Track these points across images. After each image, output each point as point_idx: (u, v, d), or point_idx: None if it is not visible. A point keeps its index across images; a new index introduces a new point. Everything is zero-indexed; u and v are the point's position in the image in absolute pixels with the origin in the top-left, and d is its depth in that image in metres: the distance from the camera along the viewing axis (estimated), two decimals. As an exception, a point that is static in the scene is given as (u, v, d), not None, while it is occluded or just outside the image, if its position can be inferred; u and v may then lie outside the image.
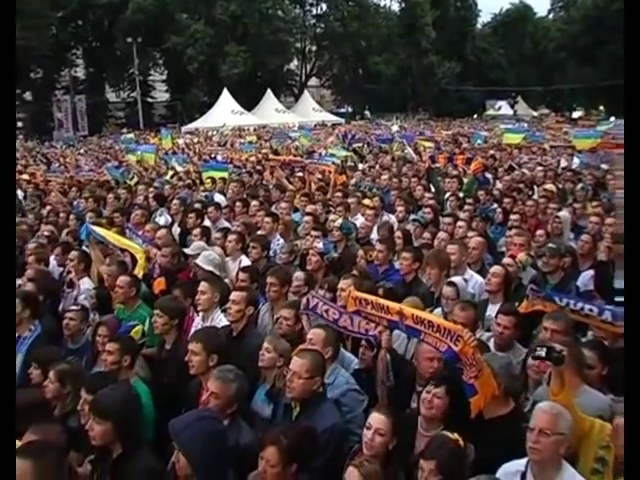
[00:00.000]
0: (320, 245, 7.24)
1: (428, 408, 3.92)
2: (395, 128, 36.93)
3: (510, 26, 72.38)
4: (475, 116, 61.65)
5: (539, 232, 8.32)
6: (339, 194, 10.74)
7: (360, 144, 22.70)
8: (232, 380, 4.04)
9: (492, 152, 18.55)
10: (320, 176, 13.01)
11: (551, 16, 77.43)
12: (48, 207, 11.59)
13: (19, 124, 51.84)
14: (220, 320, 5.60)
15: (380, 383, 4.51)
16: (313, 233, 7.96)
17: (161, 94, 66.64)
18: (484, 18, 77.82)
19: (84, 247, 7.67)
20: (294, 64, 71.63)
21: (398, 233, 7.95)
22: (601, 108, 67.21)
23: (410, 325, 4.15)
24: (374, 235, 8.67)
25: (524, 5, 74.31)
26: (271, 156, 17.60)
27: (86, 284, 6.82)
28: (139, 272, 6.78)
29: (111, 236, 7.50)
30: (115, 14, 58.62)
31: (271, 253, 7.95)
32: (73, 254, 7.16)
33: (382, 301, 4.46)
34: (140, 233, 8.44)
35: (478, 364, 3.77)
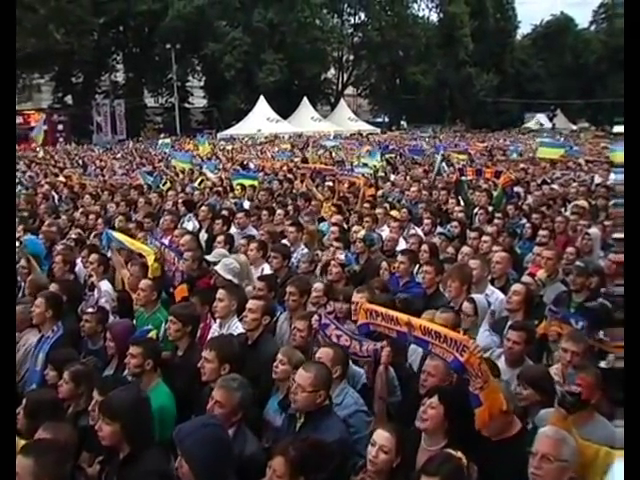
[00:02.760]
0: (342, 256, 7.23)
1: (423, 420, 3.90)
2: (425, 135, 36.77)
3: (550, 38, 71.74)
4: (515, 130, 61.05)
5: (569, 249, 8.17)
6: (367, 205, 10.72)
7: (393, 155, 22.67)
8: (236, 389, 4.05)
9: (523, 166, 18.33)
10: (348, 186, 13.01)
11: (593, 28, 76.55)
12: (80, 210, 11.79)
13: (59, 127, 52.88)
14: (237, 328, 5.62)
15: (378, 399, 4.49)
16: (335, 244, 7.98)
17: (198, 100, 67.48)
18: (524, 29, 77.65)
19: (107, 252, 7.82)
20: (331, 73, 71.96)
21: (424, 246, 7.88)
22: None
23: (418, 336, 4.15)
24: (400, 247, 8.64)
25: (565, 17, 73.69)
26: (301, 164, 17.67)
27: (106, 287, 6.91)
28: (150, 275, 6.86)
29: (129, 241, 7.63)
30: (155, 21, 59.58)
31: (294, 262, 8.00)
32: (93, 257, 7.32)
33: (392, 312, 4.46)
34: (163, 239, 8.55)
35: (484, 375, 3.76)
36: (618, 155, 19.48)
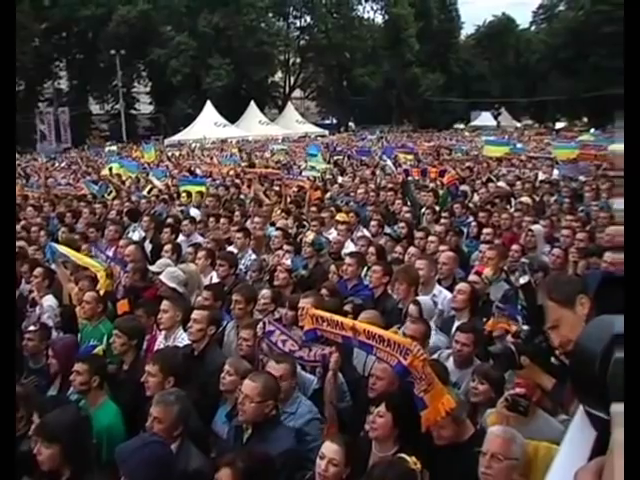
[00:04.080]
0: (288, 261, 7.19)
1: (373, 429, 3.89)
2: (373, 137, 37.00)
3: (493, 38, 72.91)
4: (461, 127, 62.03)
5: (514, 246, 8.28)
6: (314, 209, 10.70)
7: (341, 156, 22.72)
8: (173, 402, 3.96)
9: (469, 164, 18.57)
10: (296, 189, 12.98)
11: (533, 28, 78.29)
12: (22, 222, 11.46)
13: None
14: (182, 339, 5.53)
15: (328, 404, 4.46)
16: (285, 248, 7.93)
17: (145, 106, 66.68)
18: (467, 30, 78.70)
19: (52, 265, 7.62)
20: (278, 76, 71.92)
21: (371, 248, 7.88)
22: (584, 119, 67.93)
23: (363, 340, 4.15)
24: (349, 249, 8.62)
25: (507, 17, 75.00)
26: (247, 169, 17.56)
27: (49, 302, 6.73)
28: (101, 290, 6.71)
29: (74, 255, 7.44)
30: (99, 26, 58.62)
31: (243, 268, 7.93)
32: (37, 271, 7.11)
33: (337, 317, 4.46)
34: (107, 251, 8.38)
35: (428, 378, 3.77)
36: (560, 152, 20.01)
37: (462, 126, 63.54)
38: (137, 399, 4.68)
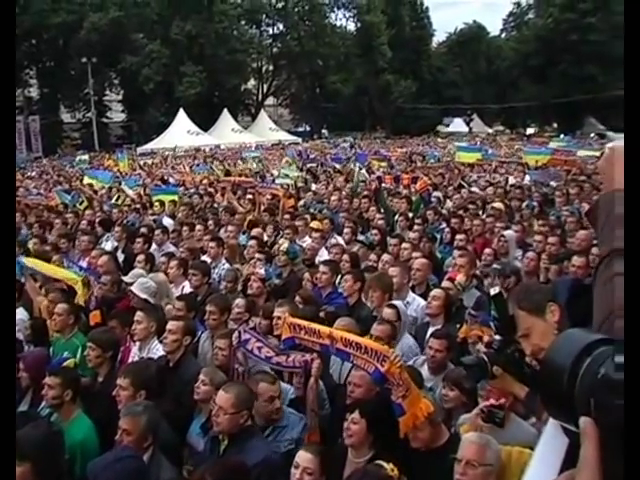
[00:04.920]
0: (261, 271, 7.17)
1: (348, 436, 3.91)
2: (346, 144, 37.08)
3: (464, 45, 73.64)
4: (432, 134, 62.48)
5: (487, 251, 8.38)
6: (287, 216, 10.69)
7: (314, 164, 22.74)
8: (141, 413, 3.92)
9: (441, 171, 18.70)
10: (270, 197, 12.97)
11: (503, 35, 79.24)
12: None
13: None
14: (157, 350, 5.49)
15: (310, 412, 4.46)
16: (257, 256, 7.92)
17: (117, 114, 66.07)
18: (439, 37, 79.40)
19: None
20: (251, 84, 71.81)
21: (345, 256, 7.89)
22: (554, 125, 68.86)
23: (340, 348, 4.17)
24: (323, 257, 8.62)
25: (477, 25, 75.79)
26: (222, 177, 17.51)
27: (19, 315, 6.63)
28: (80, 300, 6.64)
29: (45, 267, 7.34)
30: (70, 33, 58.02)
31: (216, 278, 7.90)
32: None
33: (314, 325, 4.48)
34: (80, 262, 8.29)
35: (405, 384, 3.80)
36: (531, 157, 20.25)
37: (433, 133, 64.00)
38: (111, 413, 4.60)
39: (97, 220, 11.09)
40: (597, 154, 23.57)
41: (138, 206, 12.99)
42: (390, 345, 4.62)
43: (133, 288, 6.44)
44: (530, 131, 67.04)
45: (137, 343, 5.67)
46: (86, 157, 37.19)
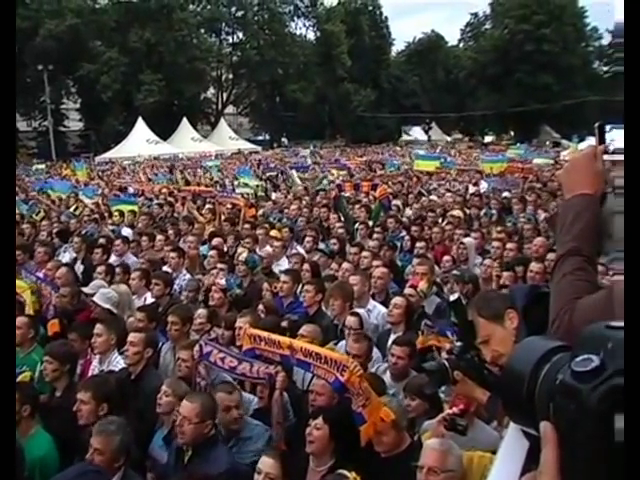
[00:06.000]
0: (222, 281, 7.16)
1: (310, 442, 3.94)
2: (306, 152, 37.16)
3: (423, 55, 74.55)
4: (391, 142, 63.01)
5: (446, 258, 8.50)
6: (247, 226, 10.67)
7: (274, 173, 22.73)
8: (114, 432, 3.87)
9: (401, 179, 18.87)
10: (230, 207, 12.92)
11: (461, 45, 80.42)
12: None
13: None
14: (118, 362, 5.44)
15: (276, 424, 4.47)
16: (219, 266, 7.90)
17: (74, 123, 64.94)
18: (398, 47, 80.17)
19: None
20: (211, 92, 71.43)
21: (305, 265, 7.91)
22: (511, 133, 70.14)
23: (300, 358, 4.20)
24: (283, 266, 8.63)
25: (436, 34, 76.79)
26: (182, 187, 17.41)
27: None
28: (29, 310, 6.52)
29: None
30: (25, 40, 56.67)
31: (177, 289, 7.85)
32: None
33: (274, 336, 4.49)
34: (38, 273, 8.15)
35: (365, 393, 3.84)
36: (488, 165, 20.61)
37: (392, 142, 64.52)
38: (71, 427, 4.55)
39: (54, 231, 10.91)
40: (552, 162, 24.13)
41: (96, 216, 12.82)
42: (365, 366, 4.65)
43: (95, 298, 6.38)
44: (488, 139, 68.20)
45: (97, 356, 5.61)
46: (43, 166, 36.62)
